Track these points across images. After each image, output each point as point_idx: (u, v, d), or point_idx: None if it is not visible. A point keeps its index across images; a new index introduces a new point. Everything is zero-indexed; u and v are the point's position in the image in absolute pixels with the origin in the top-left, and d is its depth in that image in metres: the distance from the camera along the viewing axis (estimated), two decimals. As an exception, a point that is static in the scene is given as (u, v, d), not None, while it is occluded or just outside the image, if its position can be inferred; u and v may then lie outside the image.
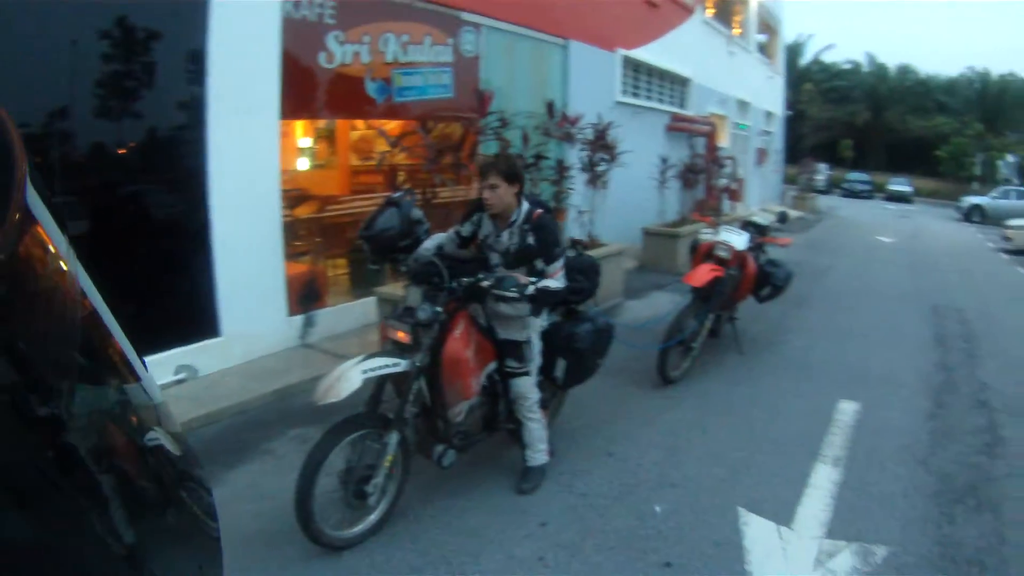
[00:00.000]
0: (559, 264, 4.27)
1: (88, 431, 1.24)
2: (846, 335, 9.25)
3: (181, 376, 5.91)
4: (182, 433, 1.82)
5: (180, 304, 6.01)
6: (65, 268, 1.17)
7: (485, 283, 4.01)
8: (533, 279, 4.04)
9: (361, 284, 8.06)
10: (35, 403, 1.06)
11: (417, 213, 4.23)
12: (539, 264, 4.22)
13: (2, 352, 0.98)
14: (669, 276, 11.84)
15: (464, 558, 3.87)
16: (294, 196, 7.38)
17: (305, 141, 8.59)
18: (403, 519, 4.17)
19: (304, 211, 7.75)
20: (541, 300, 4.11)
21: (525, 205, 4.31)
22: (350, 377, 3.63)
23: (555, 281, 4.19)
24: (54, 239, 1.13)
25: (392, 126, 7.95)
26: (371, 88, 7.64)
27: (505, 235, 4.31)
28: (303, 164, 8.49)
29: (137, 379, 1.53)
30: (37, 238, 1.07)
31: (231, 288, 6.27)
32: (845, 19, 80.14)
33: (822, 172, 41.01)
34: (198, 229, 6.03)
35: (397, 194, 4.28)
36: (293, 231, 7.17)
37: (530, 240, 4.23)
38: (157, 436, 1.52)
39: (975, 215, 32.98)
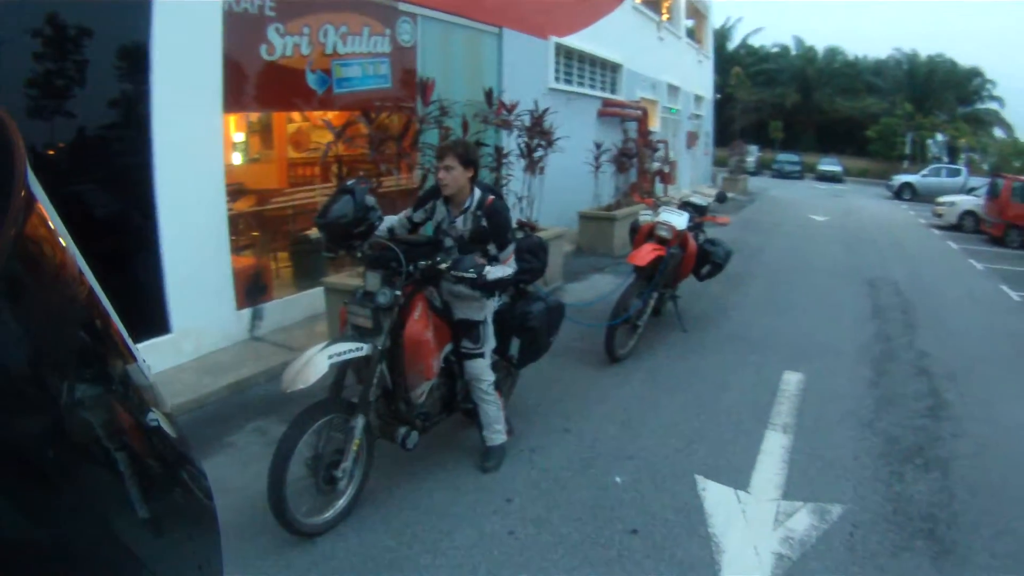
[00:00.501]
0: (510, 250, 4.42)
1: (98, 408, 1.28)
2: (786, 310, 9.54)
3: (135, 374, 5.84)
4: (174, 415, 1.86)
5: (129, 302, 5.85)
6: (65, 245, 1.22)
7: (443, 265, 4.08)
8: (486, 263, 4.14)
9: (305, 276, 8.04)
10: (52, 379, 1.10)
11: (371, 200, 4.24)
12: (492, 249, 4.34)
13: (19, 328, 1.02)
14: (607, 259, 12.07)
15: (437, 536, 3.95)
16: (235, 190, 7.32)
17: (240, 136, 8.50)
18: (372, 503, 4.21)
19: (246, 205, 7.68)
20: (494, 286, 4.23)
21: (477, 192, 4.42)
22: (317, 363, 3.66)
23: (505, 269, 4.33)
24: (52, 218, 1.17)
25: (332, 116, 7.93)
26: (311, 79, 7.60)
27: (459, 221, 4.41)
28: (242, 158, 8.40)
29: (134, 359, 1.57)
30: (40, 217, 1.11)
31: (179, 284, 6.20)
32: (772, 3, 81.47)
33: (752, 154, 41.67)
34: (145, 226, 5.95)
35: (351, 181, 4.30)
36: (236, 225, 7.11)
37: (483, 224, 4.32)
38: (156, 417, 1.56)
39: (906, 193, 34.19)
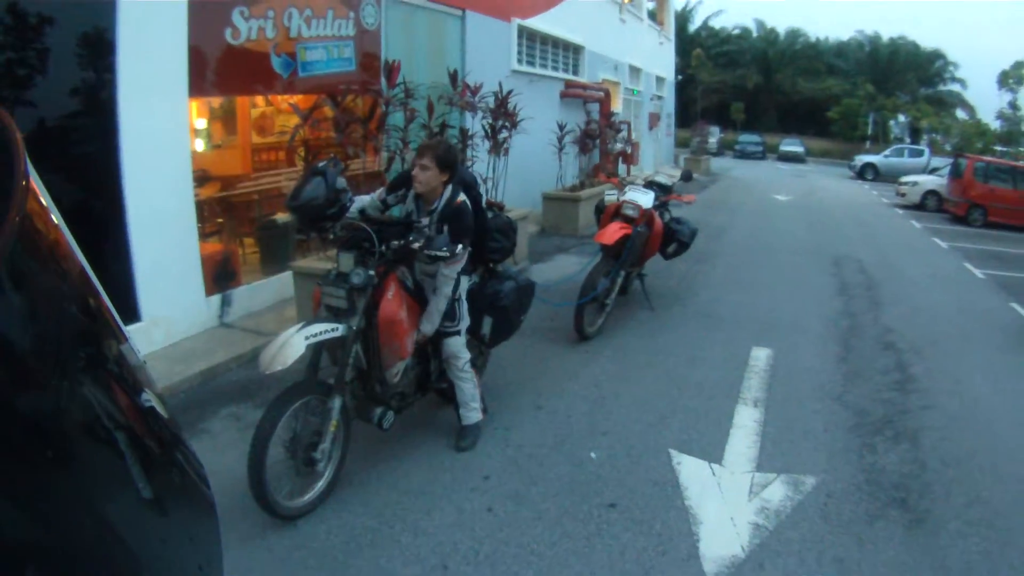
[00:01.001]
0: (464, 253, 4.42)
1: (98, 388, 1.28)
2: (752, 287, 9.66)
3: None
4: (164, 396, 1.85)
5: (100, 292, 5.85)
6: (57, 222, 1.22)
7: (416, 245, 4.09)
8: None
9: (273, 261, 8.00)
10: (54, 359, 1.11)
11: (342, 182, 4.25)
12: None
13: (23, 309, 1.03)
14: (571, 239, 12.13)
15: (416, 515, 3.98)
16: (200, 176, 7.25)
17: (203, 121, 8.42)
18: (350, 484, 4.23)
19: (212, 191, 7.63)
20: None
21: (447, 193, 4.43)
22: (294, 344, 3.66)
23: (434, 322, 4.41)
24: (44, 195, 1.18)
25: (298, 100, 7.88)
26: (276, 63, 7.52)
27: (425, 221, 4.41)
28: (207, 144, 8.32)
29: (125, 339, 1.56)
30: (35, 195, 1.12)
31: (149, 272, 6.14)
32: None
33: (714, 135, 41.85)
34: (113, 214, 5.87)
35: (322, 163, 4.30)
36: (202, 211, 7.05)
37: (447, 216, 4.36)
38: (149, 398, 1.56)
39: (868, 173, 34.80)
